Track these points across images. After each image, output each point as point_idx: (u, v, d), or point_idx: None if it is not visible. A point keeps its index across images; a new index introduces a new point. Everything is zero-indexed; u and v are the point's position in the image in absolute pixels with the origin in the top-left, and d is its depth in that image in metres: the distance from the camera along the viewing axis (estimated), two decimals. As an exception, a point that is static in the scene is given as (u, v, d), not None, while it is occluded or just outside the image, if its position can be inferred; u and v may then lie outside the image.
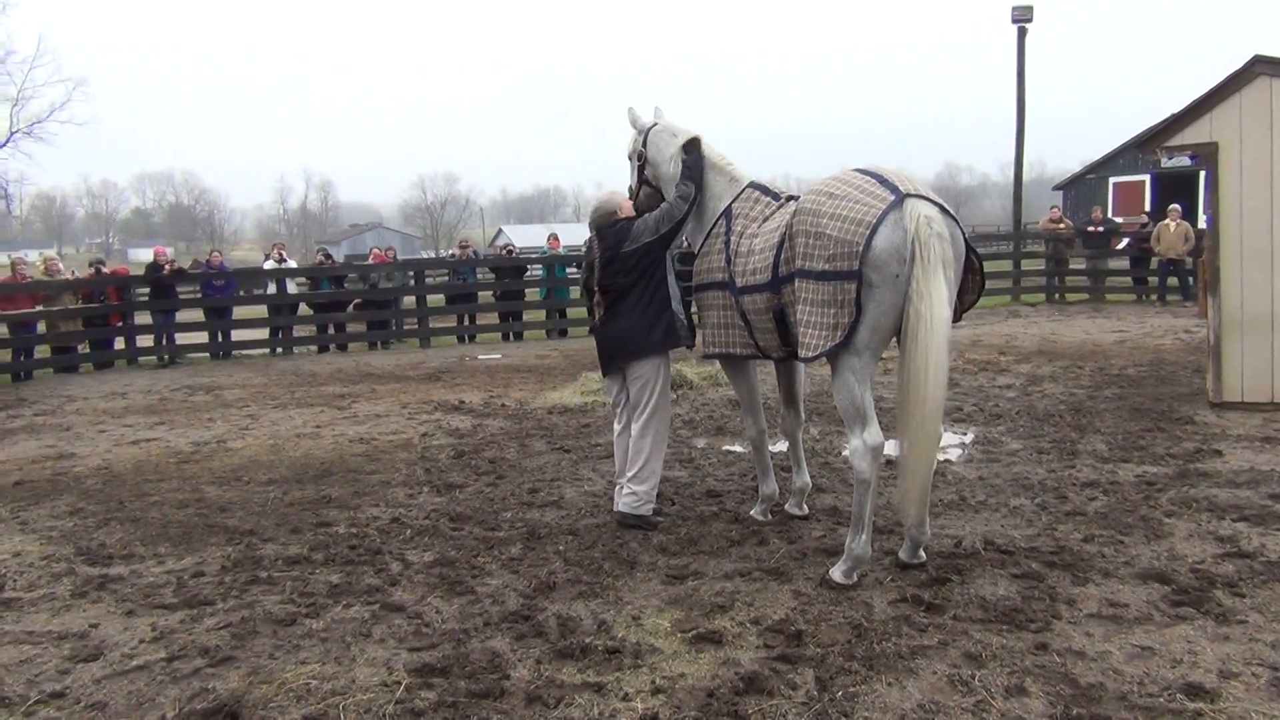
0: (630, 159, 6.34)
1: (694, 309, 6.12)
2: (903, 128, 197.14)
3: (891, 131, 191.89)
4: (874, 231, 4.57)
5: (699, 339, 5.98)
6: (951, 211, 4.78)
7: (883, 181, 4.76)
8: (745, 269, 5.36)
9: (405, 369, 14.91)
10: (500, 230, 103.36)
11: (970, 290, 5.03)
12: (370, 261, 20.68)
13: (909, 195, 4.65)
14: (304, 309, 19.47)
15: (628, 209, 6.06)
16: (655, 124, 6.23)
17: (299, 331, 19.06)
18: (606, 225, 5.99)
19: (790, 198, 5.57)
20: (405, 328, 19.44)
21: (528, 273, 22.26)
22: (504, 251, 22.28)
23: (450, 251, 26.42)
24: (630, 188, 6.35)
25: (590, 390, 11.17)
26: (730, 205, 5.77)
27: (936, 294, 4.52)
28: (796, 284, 4.88)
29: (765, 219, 5.48)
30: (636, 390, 5.91)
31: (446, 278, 20.66)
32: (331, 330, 18.77)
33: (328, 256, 20.90)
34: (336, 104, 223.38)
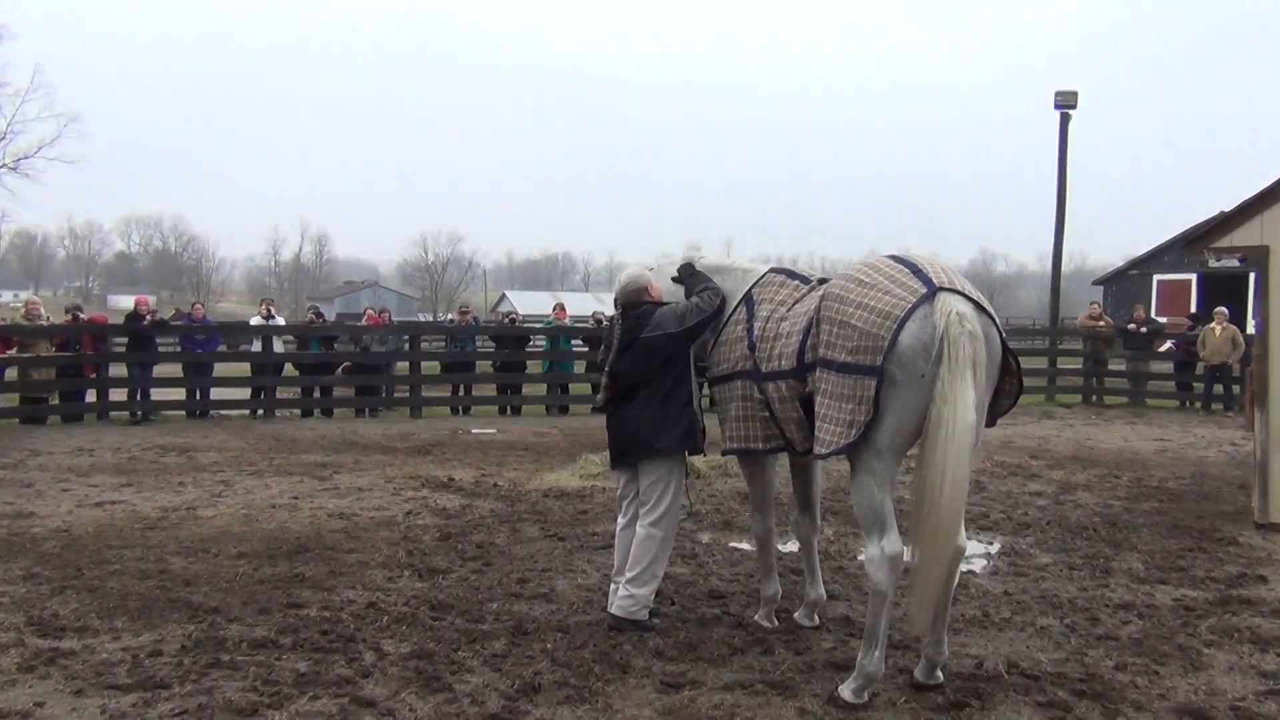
0: (680, 274, 6.54)
1: (707, 407, 6.20)
2: (935, 210, 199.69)
3: (923, 213, 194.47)
4: (901, 326, 4.59)
5: (722, 434, 5.93)
6: (989, 308, 4.80)
7: (916, 271, 4.78)
8: (771, 354, 5.42)
9: (393, 440, 14.93)
10: (504, 296, 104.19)
11: (1006, 394, 5.01)
12: (363, 323, 20.89)
13: (942, 289, 4.67)
14: (290, 369, 19.59)
15: (656, 292, 6.13)
16: (694, 260, 6.42)
17: (283, 393, 19.14)
18: (632, 304, 6.05)
19: (821, 280, 5.66)
20: (396, 395, 19.52)
21: (530, 343, 22.43)
22: (506, 319, 22.51)
23: (449, 316, 26.61)
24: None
25: (590, 473, 11.15)
26: (750, 291, 5.87)
27: (962, 398, 4.50)
28: (818, 373, 4.92)
29: (795, 302, 5.57)
30: (647, 486, 5.91)
31: (443, 344, 20.85)
32: (317, 394, 18.86)
33: (318, 315, 21.07)
34: (338, 154, 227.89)
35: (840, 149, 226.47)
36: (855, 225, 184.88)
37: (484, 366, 20.62)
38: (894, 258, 4.97)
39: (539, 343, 22.56)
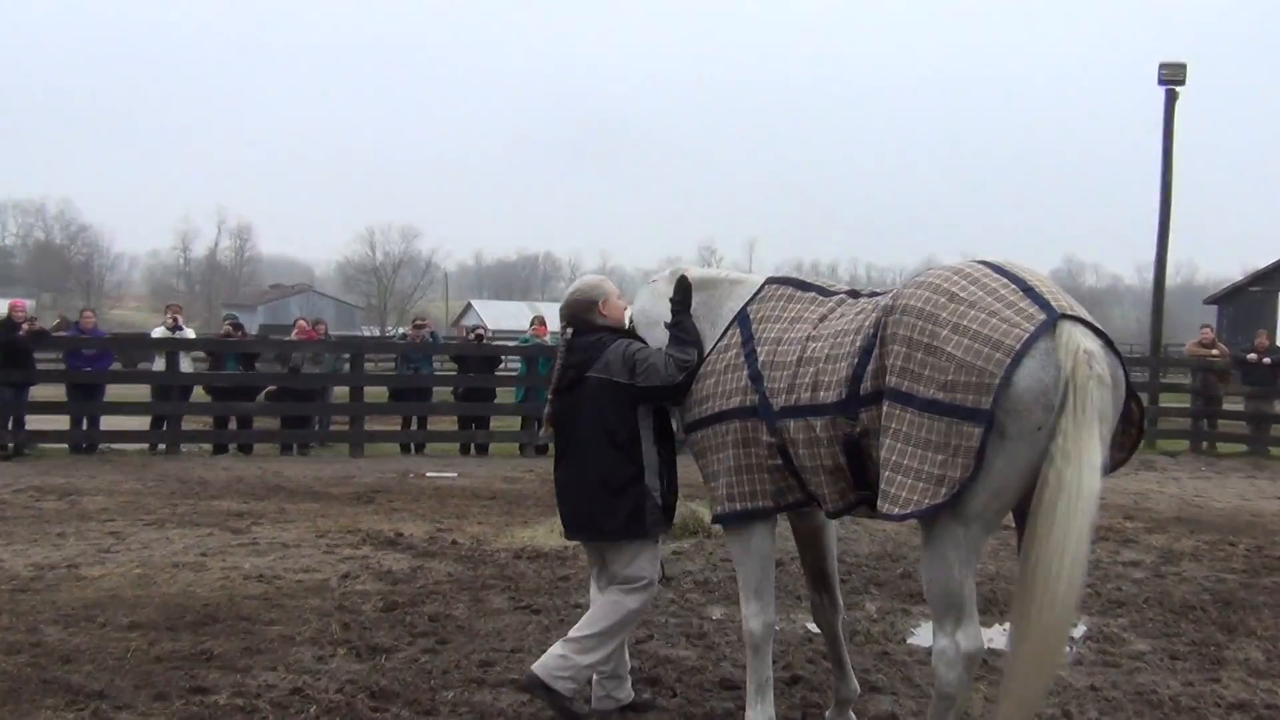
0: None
1: (666, 484, 6.08)
2: (1007, 208, 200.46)
3: (991, 212, 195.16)
4: (1017, 362, 4.48)
5: (710, 495, 5.80)
6: (1115, 343, 4.73)
7: (1027, 290, 4.68)
8: (794, 384, 5.29)
9: (328, 484, 14.92)
10: (469, 306, 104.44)
11: (1123, 446, 4.98)
12: (293, 337, 20.89)
13: (1064, 316, 4.57)
14: (200, 393, 19.57)
15: (615, 309, 6.09)
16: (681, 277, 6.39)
17: (190, 423, 19.11)
18: (581, 327, 6.03)
19: (852, 292, 5.63)
20: (332, 429, 19.49)
21: (502, 365, 22.46)
22: (472, 335, 22.50)
23: (400, 331, 26.59)
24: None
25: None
26: (745, 309, 5.81)
27: (1089, 457, 4.41)
28: (885, 408, 4.81)
29: (823, 318, 5.47)
30: (617, 567, 5.95)
31: (393, 365, 20.87)
32: (234, 425, 18.84)
33: (237, 327, 21.06)
34: (265, 129, 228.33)
35: (890, 134, 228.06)
36: (907, 227, 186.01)
37: (443, 394, 20.62)
38: (991, 266, 4.86)
39: (512, 365, 22.64)
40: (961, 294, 4.72)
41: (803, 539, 6.12)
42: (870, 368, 4.93)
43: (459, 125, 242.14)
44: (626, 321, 6.19)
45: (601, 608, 5.91)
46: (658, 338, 6.03)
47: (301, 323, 21.77)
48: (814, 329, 5.44)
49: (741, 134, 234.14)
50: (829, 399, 5.11)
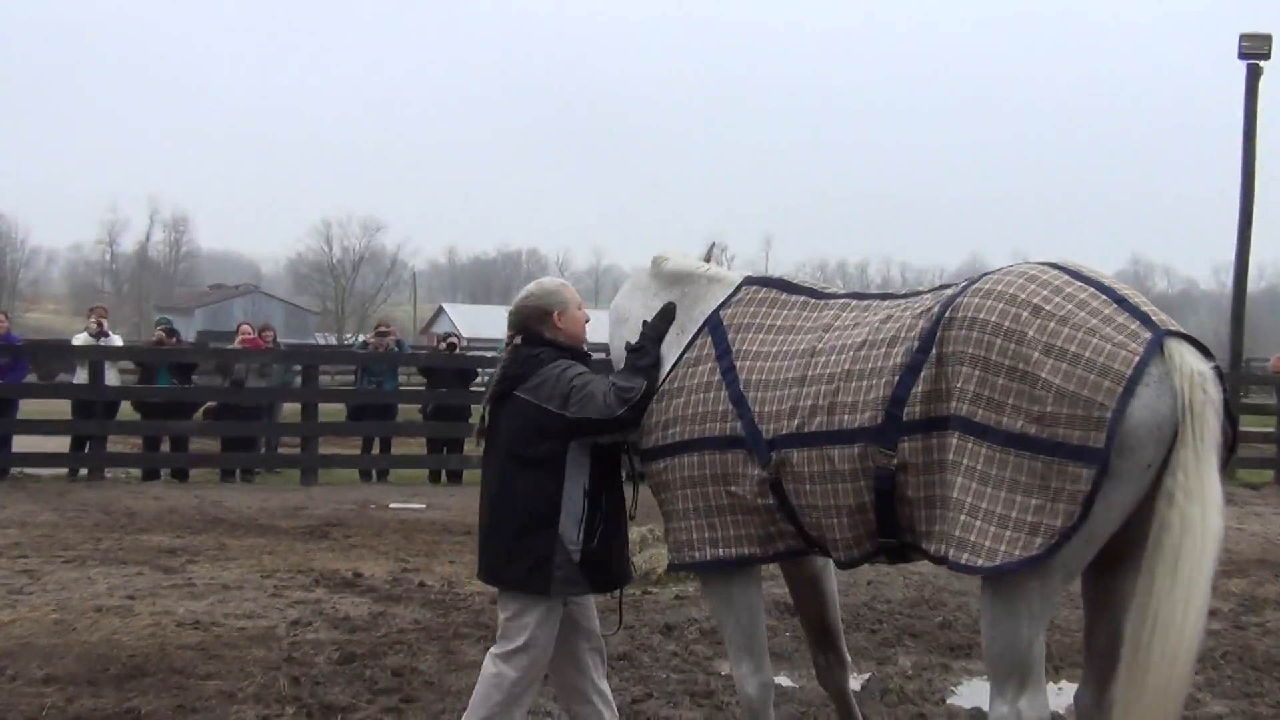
0: None
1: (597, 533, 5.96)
2: (1065, 203, 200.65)
3: (1048, 208, 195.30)
4: (1130, 391, 4.41)
5: (674, 538, 5.69)
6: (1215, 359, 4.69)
7: (1119, 300, 4.63)
8: (798, 406, 5.19)
9: (275, 516, 14.91)
10: (440, 310, 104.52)
11: None
12: (236, 345, 20.85)
13: (1169, 334, 4.55)
14: (128, 410, 19.55)
15: (573, 323, 6.01)
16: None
17: (116, 445, 19.09)
18: (530, 335, 5.96)
19: (855, 296, 5.59)
20: (281, 452, 19.46)
21: (478, 379, 22.40)
22: (443, 344, 22.45)
23: (361, 339, 26.55)
24: None
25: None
26: (717, 314, 5.75)
27: (1213, 494, 4.39)
28: (954, 440, 4.73)
29: (826, 328, 5.40)
30: (504, 619, 5.86)
31: (352, 379, 20.86)
32: (167, 447, 18.81)
33: (171, 333, 21.00)
34: (204, 107, 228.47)
35: (926, 120, 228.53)
36: (946, 223, 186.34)
37: (410, 412, 20.64)
38: (1067, 271, 4.77)
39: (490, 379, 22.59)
40: (1047, 306, 4.60)
41: (799, 586, 6.10)
42: (919, 389, 4.82)
43: (431, 103, 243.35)
44: (585, 340, 6.12)
45: (482, 685, 5.80)
46: (625, 336, 6.11)
47: (246, 329, 21.70)
48: (819, 340, 5.36)
49: (757, 118, 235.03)
50: (857, 424, 5.00)
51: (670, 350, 5.85)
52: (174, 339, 20.90)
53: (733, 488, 5.40)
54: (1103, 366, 4.41)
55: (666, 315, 5.99)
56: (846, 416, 5.04)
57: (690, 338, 5.79)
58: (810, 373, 5.24)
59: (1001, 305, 4.68)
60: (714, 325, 5.70)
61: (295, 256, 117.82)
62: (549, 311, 5.93)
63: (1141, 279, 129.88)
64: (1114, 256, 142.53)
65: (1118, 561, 4.86)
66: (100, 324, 19.64)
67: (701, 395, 5.54)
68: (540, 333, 5.91)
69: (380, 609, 9.88)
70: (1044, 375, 4.48)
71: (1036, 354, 4.51)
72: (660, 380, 5.77)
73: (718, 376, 5.53)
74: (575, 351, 5.95)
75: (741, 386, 5.43)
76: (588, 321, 6.12)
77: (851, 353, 5.16)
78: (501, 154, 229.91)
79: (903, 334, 5.01)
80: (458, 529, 14.19)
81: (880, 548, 5.15)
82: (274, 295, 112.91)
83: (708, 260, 6.44)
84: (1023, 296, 4.67)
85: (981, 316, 4.69)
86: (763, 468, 5.28)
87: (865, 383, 5.03)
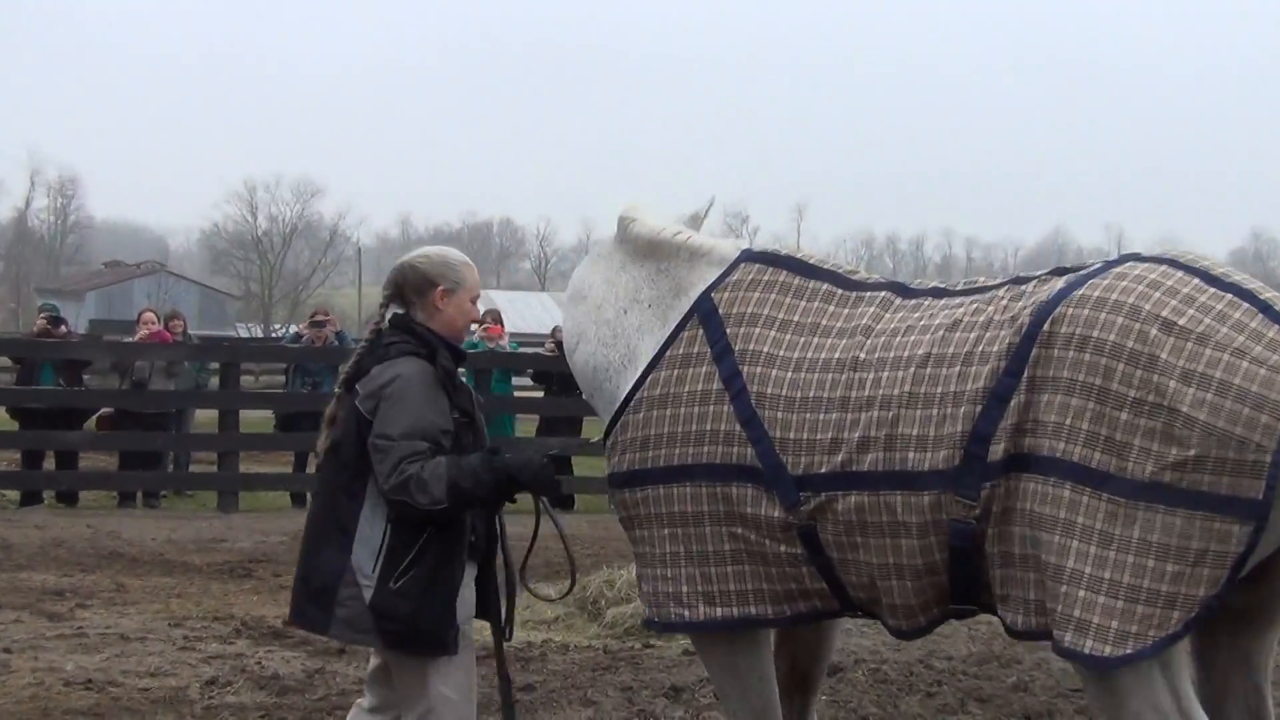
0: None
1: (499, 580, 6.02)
2: (1166, 164, 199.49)
3: (1145, 170, 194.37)
4: None
5: (650, 587, 5.67)
6: None
7: (1264, 308, 4.61)
8: (841, 437, 5.11)
9: (186, 550, 14.96)
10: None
11: None
12: (137, 337, 20.96)
13: None
14: (2, 419, 19.62)
15: (455, 312, 5.93)
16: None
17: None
18: (402, 310, 6.01)
19: (896, 286, 5.52)
20: (193, 469, 19.50)
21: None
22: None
23: (293, 330, 26.62)
24: None
25: (541, 617, 11.35)
26: (709, 297, 5.64)
27: None
28: (1059, 492, 4.69)
29: (868, 330, 5.29)
30: (397, 676, 5.91)
31: (283, 379, 20.88)
32: (51, 464, 18.90)
33: (56, 322, 21.06)
34: (98, 50, 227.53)
35: (996, 70, 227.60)
36: (1019, 190, 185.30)
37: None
38: (1195, 271, 4.74)
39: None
40: (1180, 321, 4.55)
41: (794, 645, 6.15)
42: (1008, 423, 4.77)
43: (381, 42, 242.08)
44: (464, 339, 6.12)
45: None
46: (578, 319, 6.16)
47: (149, 316, 21.70)
48: (859, 348, 5.24)
49: (789, 64, 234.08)
50: (927, 465, 4.95)
51: (646, 341, 5.78)
52: (60, 329, 20.96)
53: (739, 530, 5.35)
54: (1257, 397, 4.35)
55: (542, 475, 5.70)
56: (913, 455, 4.96)
57: (673, 328, 5.67)
58: (855, 393, 5.13)
59: (1121, 320, 4.62)
60: (706, 313, 5.57)
61: (210, 228, 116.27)
62: (434, 284, 5.84)
63: (1264, 258, 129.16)
64: (1230, 232, 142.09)
65: (1257, 616, 4.96)
66: None
67: (696, 409, 5.44)
68: (412, 308, 5.92)
69: (316, 665, 9.90)
70: (1184, 409, 4.41)
71: (1173, 383, 4.45)
72: (633, 383, 5.69)
73: (717, 385, 5.42)
74: (448, 347, 5.85)
75: (753, 402, 5.31)
76: (482, 325, 6.13)
77: (913, 370, 5.06)
78: (468, 104, 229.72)
79: (981, 348, 4.93)
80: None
81: (948, 615, 5.21)
82: (184, 276, 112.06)
83: (701, 221, 6.33)
84: (1147, 308, 4.60)
85: (1096, 334, 4.64)
86: (787, 511, 5.20)
87: (936, 411, 4.95)
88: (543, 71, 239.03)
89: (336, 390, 5.93)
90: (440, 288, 5.82)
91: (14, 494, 18.66)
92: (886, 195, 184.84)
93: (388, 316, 6.00)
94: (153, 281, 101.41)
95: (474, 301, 6.04)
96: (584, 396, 6.42)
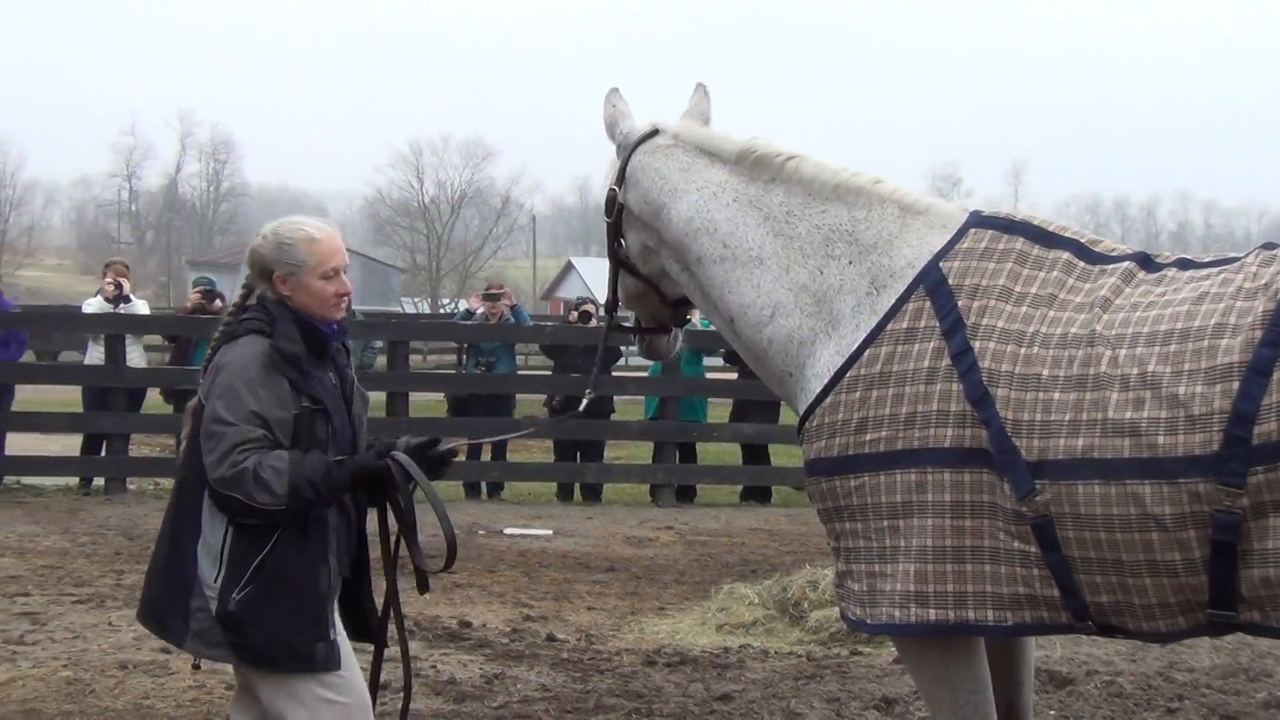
0: (604, 211, 6.37)
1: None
2: None
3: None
4: None
5: (861, 585, 5.50)
6: None
7: None
8: (1080, 419, 4.95)
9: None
10: (570, 267, 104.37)
11: None
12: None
13: None
14: (156, 401, 19.81)
15: (309, 294, 5.76)
16: (655, 134, 6.24)
17: (141, 446, 19.30)
18: (255, 289, 5.87)
19: (1140, 256, 5.34)
20: (360, 457, 19.62)
21: (623, 360, 22.46)
22: (575, 313, 22.27)
23: (464, 306, 26.73)
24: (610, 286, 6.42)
25: (738, 620, 11.24)
26: (937, 267, 5.42)
27: None
28: None
29: (1106, 304, 5.14)
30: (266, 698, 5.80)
31: (456, 360, 20.87)
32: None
33: (212, 296, 21.31)
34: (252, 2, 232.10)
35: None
36: (1272, 151, 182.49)
37: (531, 404, 20.69)
38: None
39: (640, 360, 22.61)
40: None
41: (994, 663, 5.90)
42: (1272, 399, 4.65)
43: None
44: (334, 316, 5.86)
45: None
46: (767, 287, 5.77)
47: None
48: (1096, 322, 5.10)
49: (1007, 16, 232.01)
50: (1181, 450, 4.79)
51: (860, 314, 5.55)
52: (216, 305, 21.13)
53: (965, 522, 5.16)
54: None
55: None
56: (1163, 438, 4.79)
57: (895, 299, 5.45)
58: (1094, 370, 4.96)
59: None
60: (935, 285, 5.34)
61: (374, 194, 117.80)
62: (270, 270, 5.73)
63: None
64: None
65: None
66: (118, 285, 19.47)
67: (921, 387, 5.24)
68: (263, 291, 5.80)
69: (495, 670, 9.96)
70: None
71: None
72: (845, 358, 5.47)
73: (945, 361, 5.21)
74: (301, 325, 5.71)
75: (985, 379, 5.13)
76: (343, 300, 5.75)
77: (1157, 347, 4.91)
78: (658, 60, 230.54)
79: (1233, 319, 4.78)
80: (598, 564, 14.37)
81: (1204, 625, 4.99)
82: (346, 247, 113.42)
83: (709, 118, 6.30)
84: None
85: None
86: (1020, 501, 5.05)
87: (1187, 389, 4.78)
88: (752, 33, 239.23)
89: (200, 377, 5.84)
90: (275, 273, 5.70)
91: (167, 482, 18.60)
92: (1114, 155, 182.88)
93: (255, 292, 5.88)
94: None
95: (331, 275, 5.76)
96: (768, 378, 6.11)
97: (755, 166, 5.89)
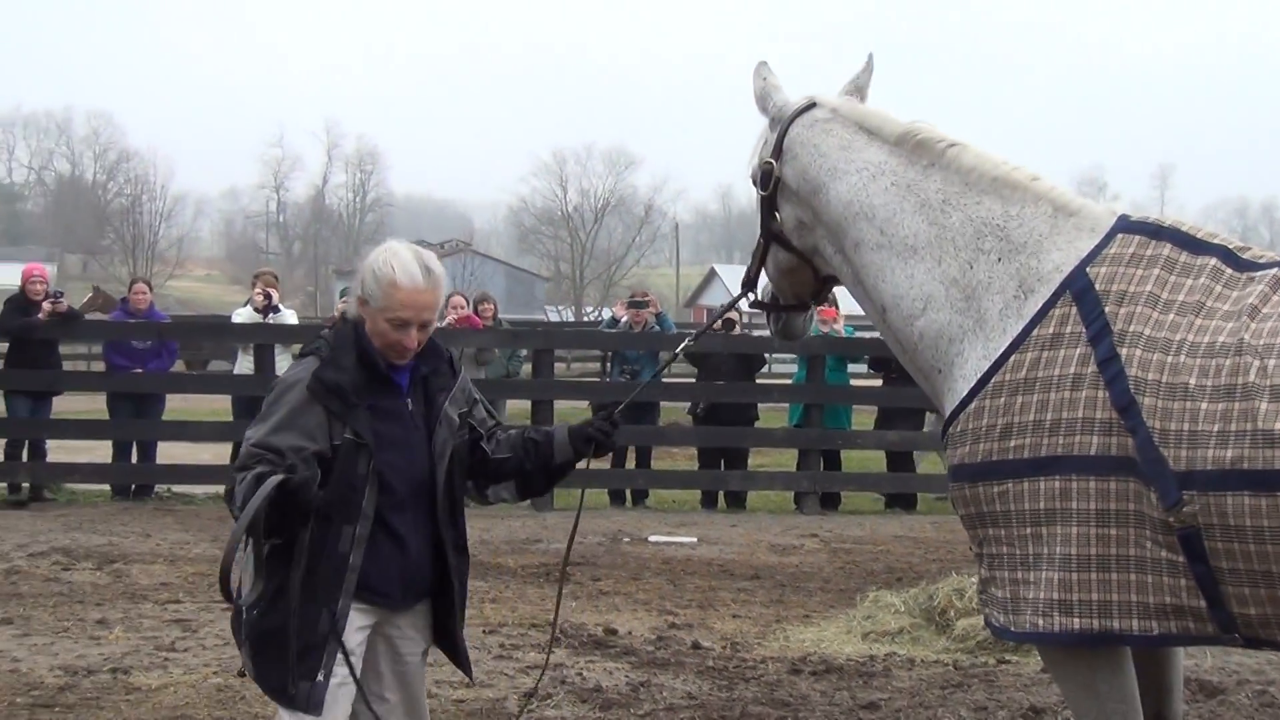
0: (755, 183, 6.33)
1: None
2: None
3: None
4: None
5: (1005, 592, 5.46)
6: None
7: None
8: (1229, 429, 4.88)
9: (499, 551, 15.24)
10: (713, 274, 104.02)
11: None
12: (445, 323, 21.28)
13: None
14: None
15: (375, 330, 5.65)
16: (811, 107, 6.18)
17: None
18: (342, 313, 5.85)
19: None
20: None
21: (766, 368, 22.37)
22: (719, 321, 22.12)
23: (609, 314, 26.84)
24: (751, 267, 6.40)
25: (884, 628, 11.21)
26: (1084, 273, 5.36)
27: None
28: None
29: (1254, 312, 5.07)
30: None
31: (599, 368, 20.92)
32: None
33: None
34: (396, 11, 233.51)
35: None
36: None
37: (675, 412, 20.69)
38: None
39: (784, 368, 22.53)
40: None
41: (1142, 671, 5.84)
42: None
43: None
44: (400, 359, 5.73)
45: None
46: (920, 278, 5.74)
47: (457, 300, 21.95)
48: (1245, 330, 5.02)
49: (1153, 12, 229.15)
50: None
51: (1007, 318, 5.52)
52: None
53: (1111, 530, 5.13)
54: None
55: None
56: None
57: (1042, 303, 5.41)
58: (1243, 379, 4.90)
59: None
60: (1081, 290, 5.30)
61: (518, 204, 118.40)
62: (364, 301, 5.67)
63: None
64: None
65: None
66: (267, 295, 19.71)
67: (1067, 394, 5.20)
68: (353, 302, 5.79)
69: (641, 677, 9.98)
70: None
71: None
72: (991, 365, 5.44)
73: (1092, 367, 5.18)
74: (361, 355, 5.63)
75: (1131, 387, 5.09)
76: (404, 352, 5.59)
77: None
78: (799, 55, 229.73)
79: None
80: (742, 571, 14.36)
81: None
82: (491, 256, 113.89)
83: (865, 92, 6.24)
84: None
85: None
86: (1167, 511, 4.99)
87: None
88: (901, 33, 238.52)
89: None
90: (359, 293, 5.69)
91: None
92: (1262, 158, 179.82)
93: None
94: (457, 261, 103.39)
95: (399, 325, 5.58)
96: (915, 371, 6.08)
97: (916, 150, 5.87)
